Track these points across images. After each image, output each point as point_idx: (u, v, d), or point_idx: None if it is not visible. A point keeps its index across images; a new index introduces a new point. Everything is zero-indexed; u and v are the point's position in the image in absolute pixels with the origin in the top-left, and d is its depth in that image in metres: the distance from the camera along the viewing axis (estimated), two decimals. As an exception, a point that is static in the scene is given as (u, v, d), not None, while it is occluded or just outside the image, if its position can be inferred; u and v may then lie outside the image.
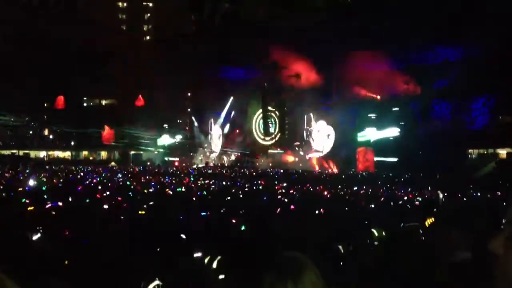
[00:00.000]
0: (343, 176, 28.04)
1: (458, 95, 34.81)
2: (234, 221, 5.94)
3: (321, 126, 40.96)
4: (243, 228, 5.46)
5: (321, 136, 40.89)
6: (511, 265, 1.21)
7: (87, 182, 16.51)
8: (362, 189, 15.82)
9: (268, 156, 43.57)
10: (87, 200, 8.90)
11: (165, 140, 48.51)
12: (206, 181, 18.90)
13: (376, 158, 36.36)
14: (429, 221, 5.43)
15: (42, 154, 49.11)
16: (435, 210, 6.69)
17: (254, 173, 30.10)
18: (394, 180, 23.60)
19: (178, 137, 49.32)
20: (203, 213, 6.57)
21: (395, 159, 34.70)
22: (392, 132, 36.47)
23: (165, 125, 49.20)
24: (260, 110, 45.89)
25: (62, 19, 45.41)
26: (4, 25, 41.00)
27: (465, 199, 11.48)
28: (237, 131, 47.29)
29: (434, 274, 2.27)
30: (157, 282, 3.11)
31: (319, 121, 41.10)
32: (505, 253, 1.23)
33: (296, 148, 43.05)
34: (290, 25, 37.16)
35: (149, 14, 62.27)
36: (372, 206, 9.29)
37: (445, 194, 11.31)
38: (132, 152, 46.69)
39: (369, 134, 37.46)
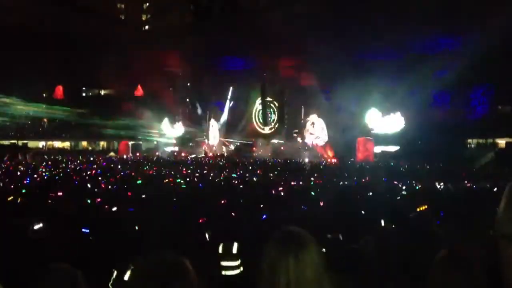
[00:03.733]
0: (342, 166, 27.94)
1: (458, 85, 34.75)
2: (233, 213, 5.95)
3: (319, 116, 40.88)
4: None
5: (319, 125, 40.83)
6: None
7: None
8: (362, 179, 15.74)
9: (268, 145, 43.49)
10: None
11: (164, 130, 48.36)
12: (205, 172, 18.86)
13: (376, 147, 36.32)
14: (421, 208, 5.47)
15: (41, 144, 49.04)
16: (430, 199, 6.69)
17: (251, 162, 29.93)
18: (393, 170, 23.49)
19: (177, 128, 49.13)
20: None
21: (396, 147, 34.69)
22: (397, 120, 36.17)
23: (164, 116, 49.01)
24: (260, 100, 45.83)
25: (61, 8, 45.10)
26: (2, 15, 40.75)
27: (461, 188, 11.45)
28: (237, 121, 47.18)
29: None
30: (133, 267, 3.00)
31: (318, 110, 40.98)
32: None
33: (296, 137, 42.93)
34: (289, 14, 36.97)
35: (147, 4, 61.83)
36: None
37: (441, 184, 11.30)
38: (131, 142, 46.58)
39: (373, 119, 37.16)
